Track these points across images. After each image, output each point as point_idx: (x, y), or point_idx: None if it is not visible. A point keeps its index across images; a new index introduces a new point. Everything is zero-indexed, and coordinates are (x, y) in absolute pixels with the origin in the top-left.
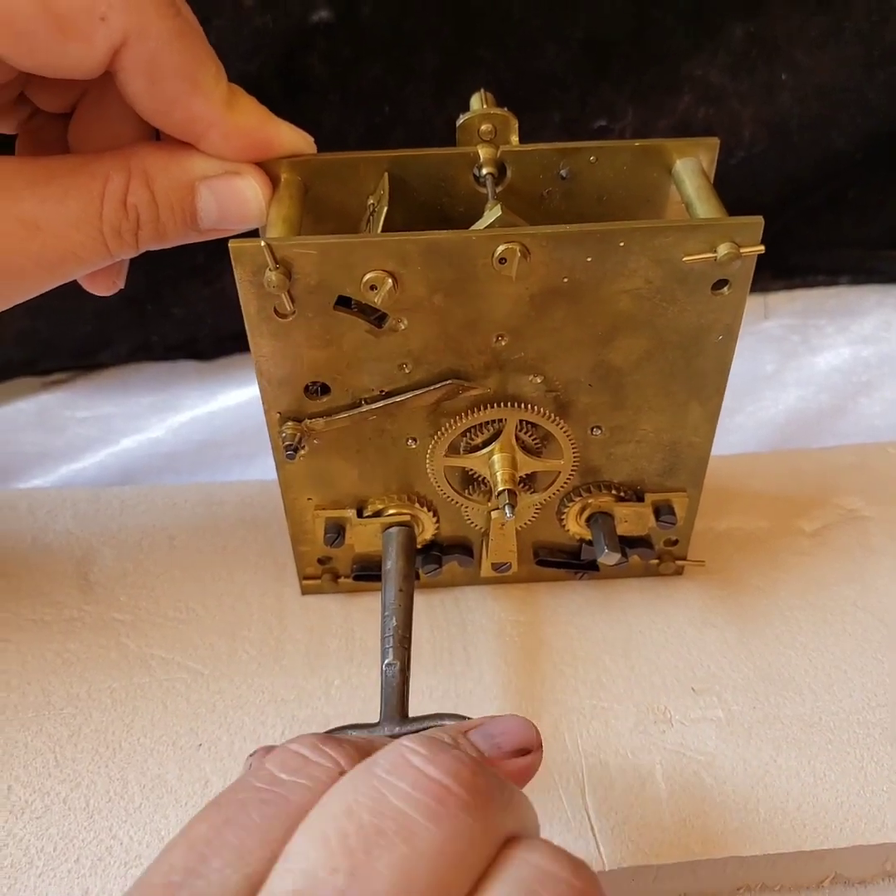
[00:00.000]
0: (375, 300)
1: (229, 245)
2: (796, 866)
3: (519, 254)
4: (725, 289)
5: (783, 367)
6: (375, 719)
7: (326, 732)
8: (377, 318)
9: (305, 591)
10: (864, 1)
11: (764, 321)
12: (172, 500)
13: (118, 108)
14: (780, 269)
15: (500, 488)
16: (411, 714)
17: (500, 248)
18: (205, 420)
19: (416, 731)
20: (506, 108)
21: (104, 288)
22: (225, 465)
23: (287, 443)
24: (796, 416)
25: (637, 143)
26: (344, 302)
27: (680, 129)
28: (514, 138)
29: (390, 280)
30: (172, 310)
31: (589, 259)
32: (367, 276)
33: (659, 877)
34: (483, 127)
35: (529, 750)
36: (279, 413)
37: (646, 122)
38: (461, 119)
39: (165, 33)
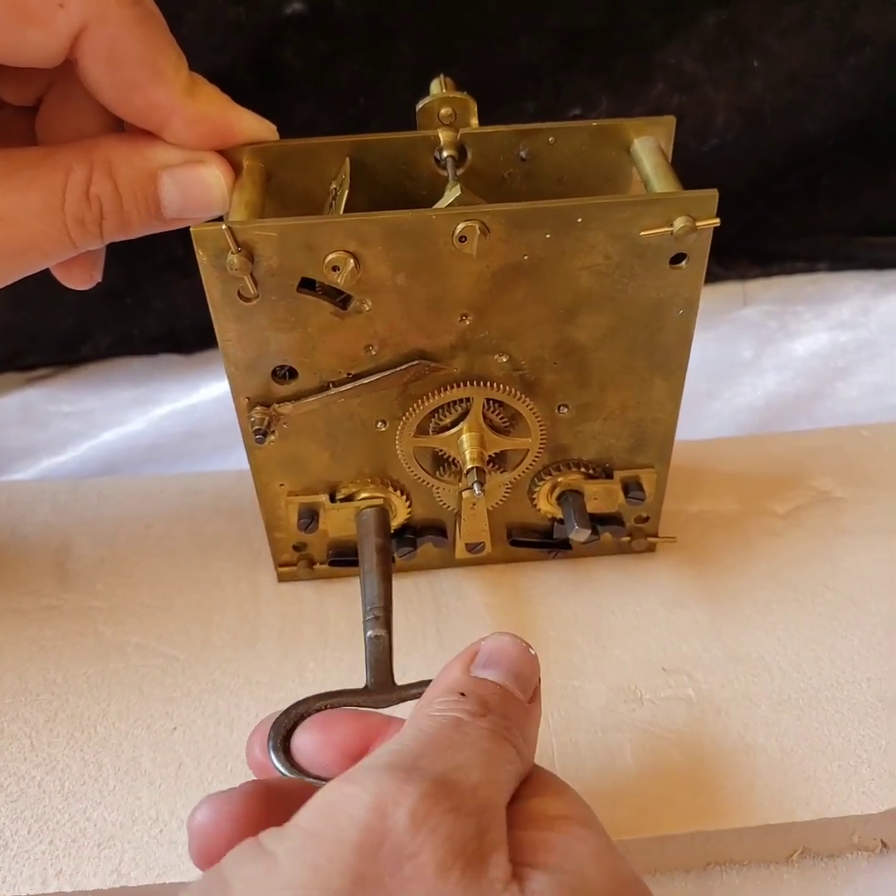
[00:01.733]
0: (338, 281)
1: (191, 230)
2: (764, 840)
3: (478, 231)
4: (683, 263)
5: (761, 353)
6: None
7: (318, 696)
8: (342, 299)
9: (282, 579)
10: None
11: (743, 308)
12: (149, 490)
13: (84, 100)
14: (759, 256)
15: (469, 466)
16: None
17: (460, 227)
18: (185, 413)
19: (404, 699)
20: (465, 92)
21: (81, 281)
22: (205, 457)
23: (256, 427)
24: (774, 401)
25: (595, 124)
26: (308, 284)
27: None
28: (474, 121)
29: (352, 261)
30: (152, 303)
31: (548, 235)
32: (329, 258)
33: (628, 852)
34: (443, 110)
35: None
36: (247, 398)
37: (620, 110)
38: (421, 104)
39: (125, 20)
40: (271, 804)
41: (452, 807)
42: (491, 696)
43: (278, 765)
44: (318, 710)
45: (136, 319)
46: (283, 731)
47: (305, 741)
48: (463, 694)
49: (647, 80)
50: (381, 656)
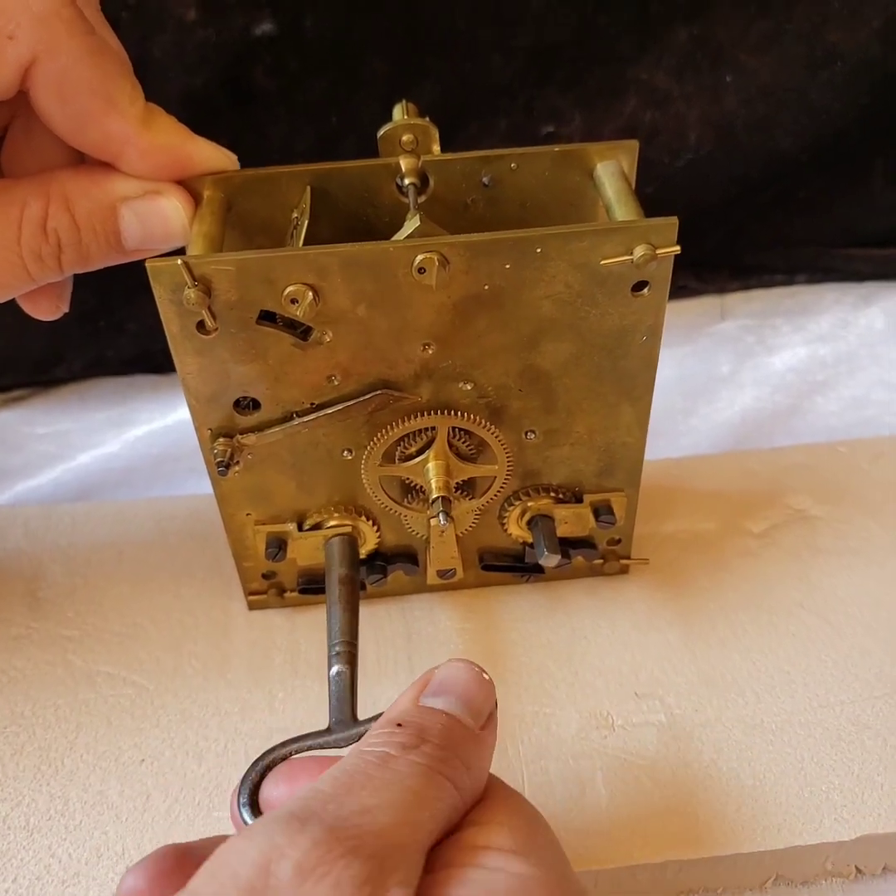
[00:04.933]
0: (297, 314)
1: (146, 264)
2: (737, 868)
3: (437, 263)
4: (645, 290)
5: (739, 368)
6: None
7: (282, 744)
8: (302, 331)
9: (252, 607)
10: (805, 3)
11: (720, 322)
12: (123, 515)
13: (46, 133)
14: (737, 270)
15: (435, 495)
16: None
17: (419, 258)
18: (160, 434)
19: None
20: (427, 118)
21: (47, 312)
22: (181, 479)
23: (219, 459)
24: (752, 417)
25: (557, 149)
26: (268, 316)
27: (627, 132)
28: (436, 147)
29: (311, 293)
30: (126, 325)
31: (507, 266)
32: (288, 290)
33: (599, 882)
34: (404, 137)
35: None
36: (210, 430)
37: (593, 126)
38: (382, 130)
39: (76, 51)
40: (184, 865)
41: (346, 851)
42: (431, 725)
43: (249, 823)
44: (282, 758)
45: (109, 342)
46: (250, 787)
47: (275, 796)
48: (400, 724)
49: (619, 96)
50: (342, 694)
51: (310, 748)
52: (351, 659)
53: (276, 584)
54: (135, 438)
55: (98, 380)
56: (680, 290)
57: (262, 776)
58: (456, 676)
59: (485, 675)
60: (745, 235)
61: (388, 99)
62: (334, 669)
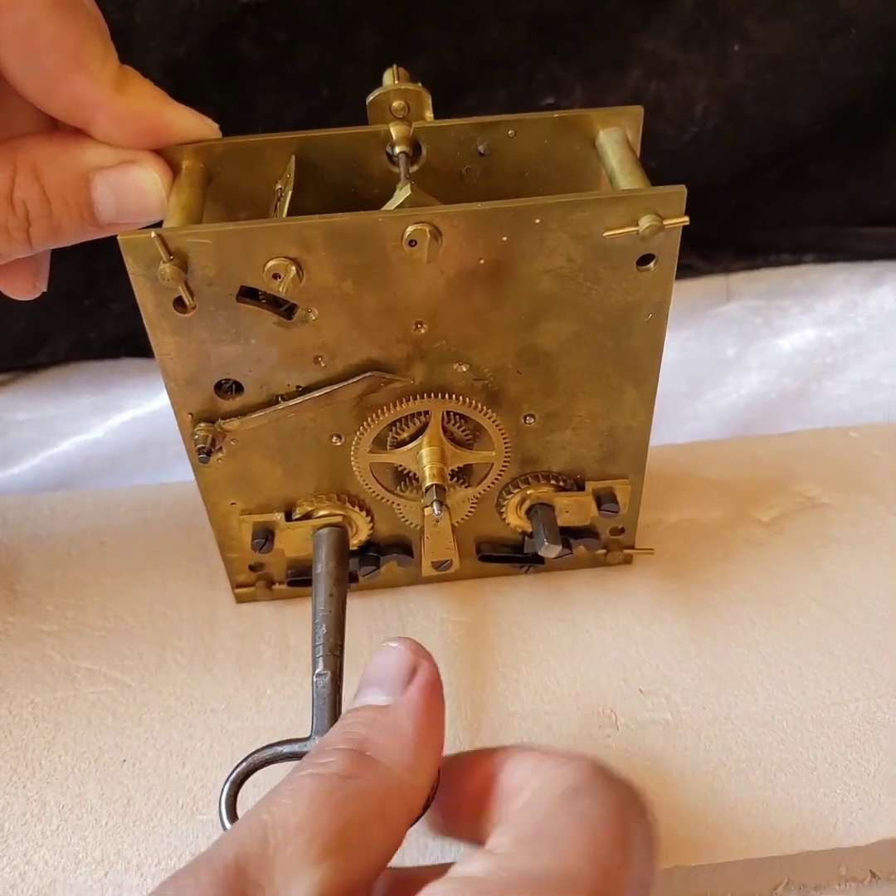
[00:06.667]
0: (280, 290)
1: (118, 238)
2: (747, 874)
3: (429, 235)
4: (651, 264)
5: (745, 351)
6: (307, 733)
7: (258, 751)
8: (286, 309)
9: (239, 600)
10: None
11: (726, 303)
12: (105, 504)
13: (15, 96)
14: (743, 249)
15: (428, 484)
16: None
17: (409, 230)
18: (146, 419)
19: None
20: (419, 84)
21: (23, 291)
22: (167, 466)
23: (199, 445)
24: (758, 402)
25: (557, 115)
26: (250, 293)
27: (630, 104)
28: (429, 114)
29: (294, 268)
30: (110, 304)
31: (504, 238)
32: (269, 265)
33: None
34: (395, 103)
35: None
36: (190, 414)
37: (594, 98)
38: (371, 96)
39: (41, 3)
40: None
41: None
42: (334, 736)
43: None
44: (262, 764)
45: (94, 322)
46: (229, 793)
47: None
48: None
49: (623, 67)
50: (324, 701)
51: (288, 756)
52: (336, 660)
53: (264, 575)
54: (120, 424)
55: (82, 364)
56: (684, 270)
57: (242, 782)
58: (372, 665)
59: (392, 643)
60: (752, 213)
61: (380, 70)
62: (317, 671)
